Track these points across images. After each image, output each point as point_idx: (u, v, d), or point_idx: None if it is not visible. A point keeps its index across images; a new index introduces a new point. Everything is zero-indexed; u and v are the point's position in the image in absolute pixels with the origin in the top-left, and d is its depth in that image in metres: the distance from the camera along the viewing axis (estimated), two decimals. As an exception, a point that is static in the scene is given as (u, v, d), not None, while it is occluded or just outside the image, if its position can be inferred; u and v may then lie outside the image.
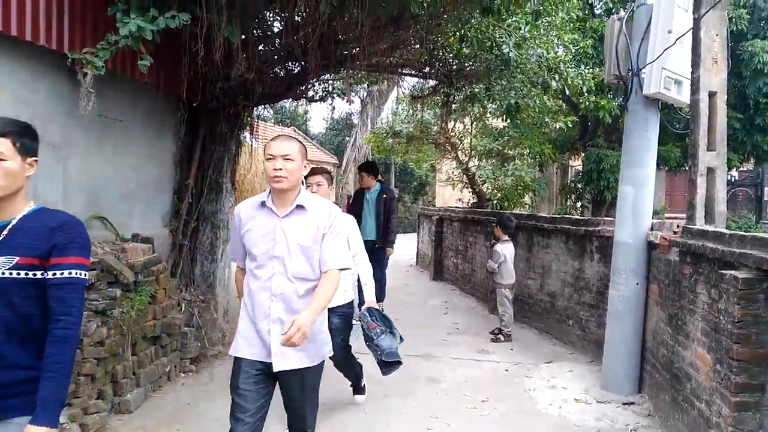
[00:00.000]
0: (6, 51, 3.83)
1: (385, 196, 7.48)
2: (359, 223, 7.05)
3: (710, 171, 4.51)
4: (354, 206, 7.71)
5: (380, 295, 7.28)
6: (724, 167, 4.61)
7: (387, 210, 7.43)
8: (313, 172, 4.11)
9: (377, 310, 4.06)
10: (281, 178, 2.59)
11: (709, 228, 3.86)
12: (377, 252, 7.28)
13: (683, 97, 4.98)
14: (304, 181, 2.92)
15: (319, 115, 46.69)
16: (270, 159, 2.61)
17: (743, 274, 2.96)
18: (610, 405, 4.72)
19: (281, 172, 2.58)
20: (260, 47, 5.41)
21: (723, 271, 3.14)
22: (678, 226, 4.39)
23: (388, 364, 3.95)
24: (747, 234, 3.19)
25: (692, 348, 3.76)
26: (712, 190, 4.47)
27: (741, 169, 18.72)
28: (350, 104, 19.24)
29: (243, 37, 4.63)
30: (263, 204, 2.71)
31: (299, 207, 2.69)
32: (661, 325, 4.50)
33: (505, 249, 7.01)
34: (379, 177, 7.84)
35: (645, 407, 4.64)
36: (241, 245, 2.80)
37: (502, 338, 6.77)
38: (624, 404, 4.72)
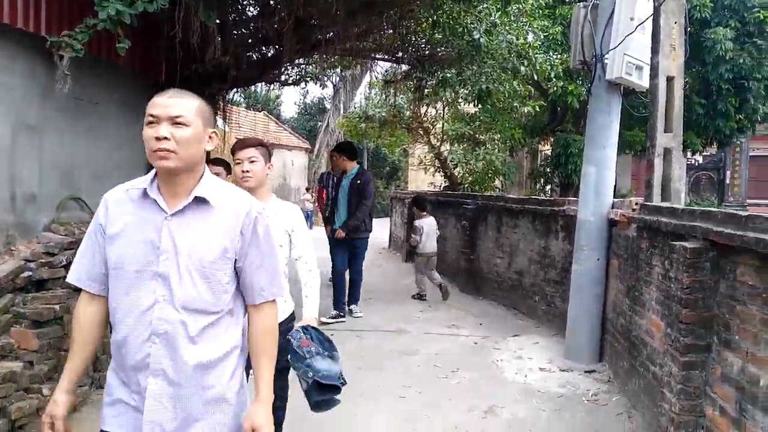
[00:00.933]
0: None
1: (358, 181, 6.85)
2: (335, 211, 7.01)
3: (667, 152, 4.77)
4: (333, 193, 7.21)
5: (356, 295, 7.12)
6: (680, 148, 4.88)
7: (359, 194, 6.83)
8: (243, 144, 2.98)
9: (315, 329, 2.82)
10: (167, 153, 1.67)
11: (664, 204, 4.12)
12: (354, 243, 6.96)
13: (644, 81, 5.22)
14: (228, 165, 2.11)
15: (291, 100, 46.35)
16: (151, 123, 1.69)
17: (691, 244, 3.21)
18: (573, 373, 4.99)
19: (167, 143, 1.66)
20: (235, 31, 5.49)
21: (674, 243, 3.39)
22: (636, 204, 4.64)
23: (322, 391, 2.62)
24: (696, 208, 3.44)
25: (648, 316, 4.03)
26: (668, 169, 4.74)
27: (704, 153, 19.32)
28: (323, 88, 19.23)
29: (218, 21, 4.71)
30: (145, 193, 1.78)
31: (198, 200, 1.77)
32: (620, 297, 4.77)
33: (423, 223, 7.98)
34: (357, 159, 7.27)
35: (605, 374, 4.93)
36: (98, 257, 1.82)
37: (418, 298, 8.01)
38: (586, 372, 4.99)
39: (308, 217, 20.08)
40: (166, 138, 1.64)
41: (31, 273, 3.94)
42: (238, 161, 2.93)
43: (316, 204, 8.69)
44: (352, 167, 6.95)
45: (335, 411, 4.24)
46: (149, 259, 1.73)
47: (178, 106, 1.68)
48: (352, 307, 7.00)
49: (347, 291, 7.00)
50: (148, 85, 5.70)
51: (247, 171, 2.90)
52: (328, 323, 6.30)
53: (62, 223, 4.57)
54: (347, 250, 6.97)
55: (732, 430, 2.80)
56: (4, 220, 4.09)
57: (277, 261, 1.95)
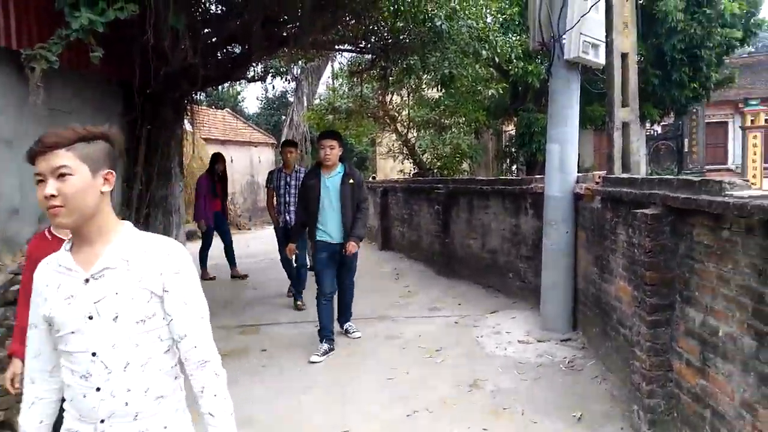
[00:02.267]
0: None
1: (351, 181, 5.39)
2: (315, 217, 5.41)
3: (625, 125, 5.02)
4: (306, 194, 5.52)
5: (348, 313, 5.92)
6: (638, 121, 5.14)
7: (355, 199, 5.42)
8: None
9: None
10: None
11: (625, 175, 4.36)
12: (345, 259, 5.50)
13: (600, 59, 5.45)
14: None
15: (253, 95, 45.86)
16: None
17: (651, 210, 3.44)
18: (549, 343, 5.24)
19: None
20: (204, 31, 5.55)
21: (636, 211, 3.62)
22: (599, 177, 4.89)
23: None
24: (654, 177, 3.68)
25: (615, 282, 4.28)
26: (627, 142, 4.99)
27: (663, 123, 19.87)
28: (290, 83, 19.17)
29: (186, 23, 4.78)
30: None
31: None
32: (589, 267, 5.03)
33: None
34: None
35: (580, 341, 5.19)
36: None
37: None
38: (561, 341, 5.25)
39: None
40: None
41: (19, 286, 4.01)
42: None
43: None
44: (336, 164, 5.45)
45: (325, 394, 4.43)
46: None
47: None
48: (347, 326, 5.87)
49: (336, 311, 5.73)
50: (117, 89, 5.74)
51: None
52: (318, 361, 5.16)
53: (44, 233, 4.61)
54: (334, 267, 5.52)
55: (697, 378, 3.05)
56: (-12, 235, 4.14)
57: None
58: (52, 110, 4.65)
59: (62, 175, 1.52)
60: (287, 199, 7.09)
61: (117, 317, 1.58)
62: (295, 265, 7.01)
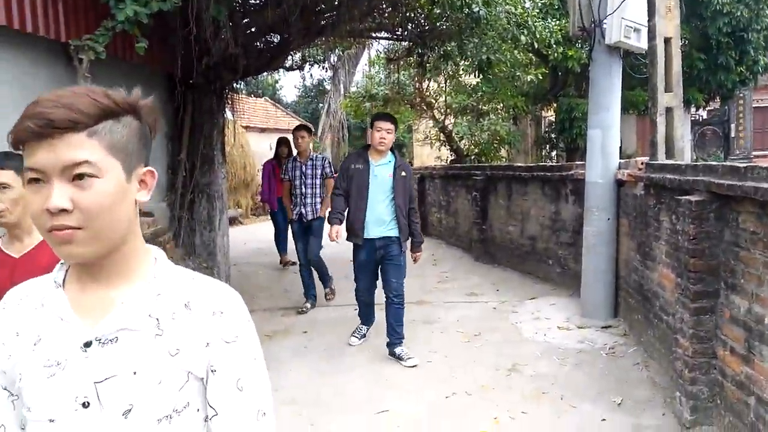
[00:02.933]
0: (9, 42, 4.06)
1: (404, 173, 4.83)
2: (362, 212, 4.78)
3: (669, 111, 4.92)
4: (353, 181, 4.81)
5: (397, 335, 4.86)
6: (681, 106, 5.03)
7: (407, 194, 4.86)
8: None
9: None
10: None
11: (669, 162, 4.29)
12: (392, 259, 4.82)
13: (642, 43, 5.34)
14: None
15: (290, 84, 46.17)
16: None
17: (696, 197, 3.39)
18: (590, 329, 5.22)
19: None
20: (244, 21, 5.65)
21: (680, 197, 3.57)
22: (642, 163, 4.81)
23: None
24: (699, 163, 3.62)
25: (658, 270, 4.23)
26: (671, 128, 4.90)
27: (708, 108, 19.31)
28: (327, 71, 19.28)
29: (227, 13, 4.88)
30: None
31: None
32: (631, 254, 4.97)
33: None
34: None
35: (621, 328, 5.15)
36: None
37: None
38: (602, 328, 5.22)
39: None
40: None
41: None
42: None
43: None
44: (386, 153, 4.86)
45: (366, 376, 4.50)
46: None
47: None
48: (399, 351, 4.81)
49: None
50: (160, 79, 5.90)
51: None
52: (357, 344, 5.15)
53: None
54: (375, 267, 4.94)
55: (742, 366, 3.02)
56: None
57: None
58: (98, 100, 4.81)
59: (81, 177, 0.90)
60: (303, 190, 6.32)
61: (130, 411, 0.95)
62: (307, 260, 6.42)
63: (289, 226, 6.88)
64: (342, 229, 4.88)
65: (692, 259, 3.39)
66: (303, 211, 6.34)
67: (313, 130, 18.61)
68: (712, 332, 3.37)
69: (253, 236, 13.36)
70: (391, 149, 4.90)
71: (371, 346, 5.16)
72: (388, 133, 4.72)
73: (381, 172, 4.80)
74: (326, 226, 5.27)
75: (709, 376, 3.37)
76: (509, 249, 8.19)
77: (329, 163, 6.63)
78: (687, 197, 3.47)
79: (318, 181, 6.40)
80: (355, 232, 4.83)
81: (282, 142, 8.41)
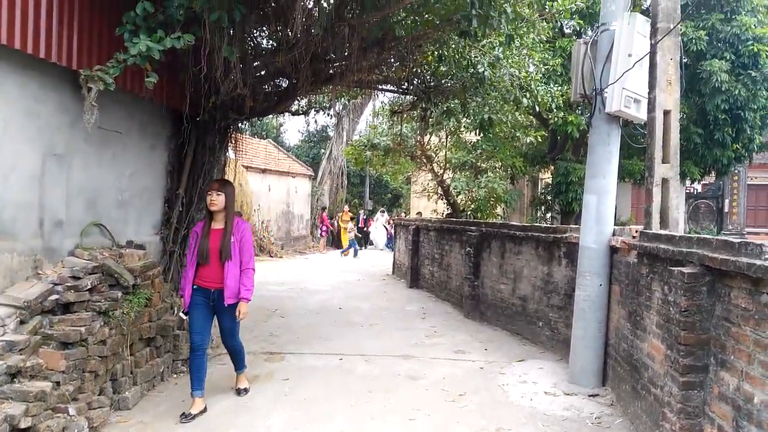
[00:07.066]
0: (18, 66, 4.11)
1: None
2: None
3: (665, 181, 4.97)
4: None
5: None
6: (678, 178, 5.09)
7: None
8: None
9: None
10: None
11: (663, 232, 4.31)
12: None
13: (641, 114, 5.45)
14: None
15: (294, 128, 46.86)
16: None
17: (689, 269, 3.39)
18: (577, 396, 5.13)
19: None
20: (254, 64, 5.75)
21: (673, 268, 3.57)
22: (636, 231, 4.83)
23: None
24: (693, 236, 3.63)
25: (649, 340, 4.19)
26: (666, 198, 4.94)
27: (703, 182, 19.58)
28: (331, 118, 19.57)
29: (238, 55, 4.97)
30: None
31: None
32: (622, 322, 4.93)
33: None
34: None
35: (608, 398, 5.06)
36: None
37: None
38: (589, 396, 5.13)
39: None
40: None
41: (58, 296, 4.14)
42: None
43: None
44: None
45: (348, 427, 4.38)
46: None
47: None
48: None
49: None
50: (165, 114, 5.96)
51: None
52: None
53: (86, 248, 4.76)
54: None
55: (730, 446, 2.95)
56: (33, 245, 4.28)
57: None
58: (101, 128, 4.85)
59: None
60: None
61: None
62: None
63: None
64: None
65: (683, 332, 3.35)
66: None
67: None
68: (700, 408, 3.31)
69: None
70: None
71: (354, 400, 5.05)
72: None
73: None
74: None
75: (696, 453, 3.30)
76: (500, 308, 8.13)
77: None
78: (680, 269, 3.47)
79: None
80: None
81: None
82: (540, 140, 11.76)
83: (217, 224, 4.81)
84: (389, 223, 23.98)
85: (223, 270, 4.71)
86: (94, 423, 4.17)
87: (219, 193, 4.73)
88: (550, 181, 14.11)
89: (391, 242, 21.57)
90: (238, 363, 5.19)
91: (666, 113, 5.14)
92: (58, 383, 3.85)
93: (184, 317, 4.90)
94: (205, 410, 4.65)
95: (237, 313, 4.79)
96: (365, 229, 26.14)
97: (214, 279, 4.74)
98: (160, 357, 5.40)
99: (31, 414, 3.46)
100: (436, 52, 6.79)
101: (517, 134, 10.88)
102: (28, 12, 3.99)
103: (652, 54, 5.28)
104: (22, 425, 3.40)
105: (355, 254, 20.51)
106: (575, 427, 4.53)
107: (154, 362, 5.26)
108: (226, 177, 7.19)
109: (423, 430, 4.42)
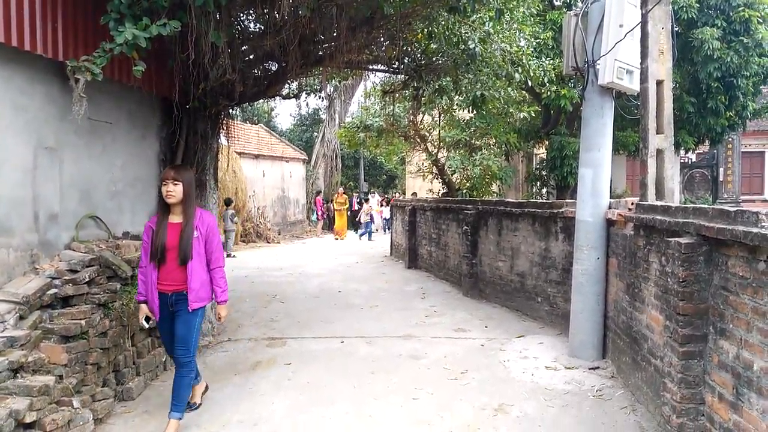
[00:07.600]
0: (5, 59, 4.05)
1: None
2: None
3: (659, 152, 4.96)
4: None
5: None
6: (672, 148, 5.08)
7: None
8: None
9: None
10: None
11: (659, 203, 4.30)
12: None
13: (634, 85, 5.42)
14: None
15: (286, 112, 46.59)
16: None
17: (686, 239, 3.39)
18: (578, 370, 5.16)
19: None
20: (242, 48, 5.68)
21: (669, 239, 3.57)
22: (632, 203, 4.83)
23: None
24: (689, 206, 3.63)
25: (647, 311, 4.21)
26: (661, 169, 4.93)
27: (698, 151, 19.57)
28: (323, 100, 19.44)
29: (226, 40, 4.90)
30: None
31: None
32: (620, 294, 4.95)
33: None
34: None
35: (609, 370, 5.10)
36: None
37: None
38: (590, 369, 5.17)
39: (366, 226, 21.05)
40: None
41: (56, 290, 4.13)
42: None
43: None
44: None
45: (350, 412, 4.41)
46: None
47: None
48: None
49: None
50: (154, 102, 5.90)
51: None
52: None
53: (82, 241, 4.74)
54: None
55: (730, 413, 2.98)
56: (29, 240, 4.26)
57: None
58: (90, 120, 4.80)
59: None
60: None
61: None
62: None
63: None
64: None
65: (681, 302, 3.37)
66: None
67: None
68: (700, 377, 3.33)
69: (241, 263, 13.28)
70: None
71: (356, 382, 5.08)
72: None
73: None
74: None
75: (697, 422, 3.33)
76: (498, 285, 8.16)
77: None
78: (677, 239, 3.47)
79: None
80: None
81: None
82: (533, 115, 11.72)
83: (175, 217, 4.11)
84: (380, 204, 23.91)
85: (184, 270, 4.04)
86: (99, 414, 4.19)
87: (176, 182, 4.01)
88: (545, 156, 14.08)
89: (387, 222, 21.59)
90: (180, 391, 4.10)
91: (659, 83, 5.11)
92: (61, 377, 3.86)
93: (146, 325, 4.23)
94: (207, 390, 4.68)
95: (217, 317, 4.39)
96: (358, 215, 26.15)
97: (172, 280, 4.06)
98: (161, 346, 5.41)
99: (35, 408, 3.47)
100: (425, 30, 6.71)
101: (511, 110, 10.81)
102: (9, 4, 3.92)
103: (644, 24, 5.24)
104: (27, 420, 3.41)
105: (369, 237, 20.49)
106: (577, 400, 4.56)
107: (156, 352, 5.27)
108: (218, 163, 7.16)
109: (426, 409, 4.45)
